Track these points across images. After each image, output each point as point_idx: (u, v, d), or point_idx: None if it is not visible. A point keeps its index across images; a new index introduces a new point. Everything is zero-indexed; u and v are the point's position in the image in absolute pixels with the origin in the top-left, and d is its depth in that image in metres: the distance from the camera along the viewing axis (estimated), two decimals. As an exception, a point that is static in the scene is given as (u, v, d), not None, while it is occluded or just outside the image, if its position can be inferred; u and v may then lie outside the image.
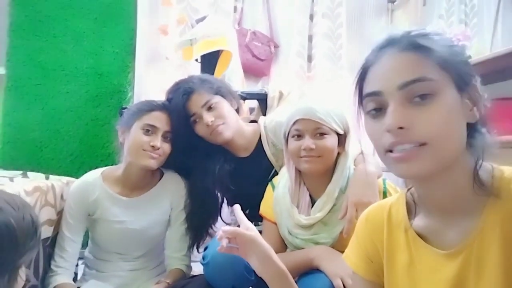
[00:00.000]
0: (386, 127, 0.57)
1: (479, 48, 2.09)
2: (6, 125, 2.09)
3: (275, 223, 1.21)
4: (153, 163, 1.25)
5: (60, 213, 1.29)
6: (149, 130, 1.25)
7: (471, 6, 2.44)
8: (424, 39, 0.59)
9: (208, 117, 1.27)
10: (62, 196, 1.31)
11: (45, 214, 1.22)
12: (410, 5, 2.42)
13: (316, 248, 1.10)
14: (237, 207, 0.99)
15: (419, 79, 0.56)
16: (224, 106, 1.32)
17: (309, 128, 1.10)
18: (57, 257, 1.25)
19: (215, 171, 1.34)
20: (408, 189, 0.70)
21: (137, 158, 1.24)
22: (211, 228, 1.38)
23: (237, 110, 1.39)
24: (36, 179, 1.32)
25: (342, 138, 1.14)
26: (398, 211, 0.70)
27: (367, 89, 0.62)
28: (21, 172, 1.41)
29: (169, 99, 1.33)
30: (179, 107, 1.28)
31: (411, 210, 0.68)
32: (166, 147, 1.28)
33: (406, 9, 2.43)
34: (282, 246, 1.20)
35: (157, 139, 1.24)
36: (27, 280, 0.79)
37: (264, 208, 1.25)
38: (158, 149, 1.24)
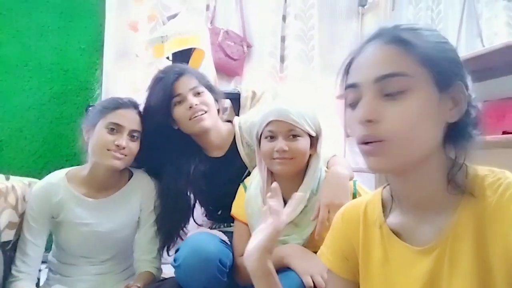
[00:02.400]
0: (357, 119, 0.58)
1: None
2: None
3: (247, 224, 1.20)
4: (118, 164, 1.20)
5: (22, 216, 1.22)
6: (114, 128, 1.21)
7: (437, 12, 2.54)
8: (410, 33, 0.58)
9: (193, 100, 1.28)
10: (24, 198, 1.24)
11: (6, 217, 1.15)
12: (379, 9, 2.48)
13: (286, 247, 1.10)
14: (276, 186, 0.92)
15: (395, 74, 0.56)
16: (210, 98, 1.33)
17: (282, 129, 1.11)
18: (19, 262, 1.18)
19: (189, 171, 1.32)
20: (384, 187, 0.71)
21: (101, 158, 1.20)
22: (183, 230, 1.35)
23: (218, 111, 1.39)
24: (-5, 179, 1.25)
25: (314, 140, 1.15)
26: (373, 209, 0.71)
27: (348, 80, 0.63)
28: (-22, 172, 1.33)
29: (159, 78, 1.32)
30: (168, 83, 1.27)
31: (386, 208, 0.69)
32: (133, 147, 1.24)
33: (375, 13, 2.49)
34: None
35: (122, 138, 1.20)
36: None
37: (236, 209, 1.24)
38: (123, 148, 1.20)
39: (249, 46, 2.33)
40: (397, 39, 0.58)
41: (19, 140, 2.01)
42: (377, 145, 0.56)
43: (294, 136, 1.11)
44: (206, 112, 1.29)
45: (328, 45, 2.38)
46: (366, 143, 0.58)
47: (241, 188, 1.26)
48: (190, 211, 1.39)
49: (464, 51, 2.26)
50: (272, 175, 1.18)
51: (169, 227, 1.32)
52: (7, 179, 1.27)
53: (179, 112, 1.29)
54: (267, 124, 1.12)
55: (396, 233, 0.66)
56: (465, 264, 0.57)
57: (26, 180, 1.32)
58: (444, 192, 0.60)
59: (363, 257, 0.70)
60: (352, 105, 0.61)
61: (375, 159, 0.57)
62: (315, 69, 2.34)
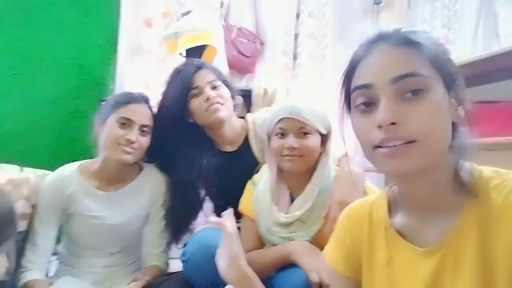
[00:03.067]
0: (378, 122, 0.56)
1: (460, 52, 2.14)
2: (-20, 114, 2.02)
3: (254, 221, 1.21)
4: (128, 158, 1.22)
5: (34, 207, 1.25)
6: (125, 123, 1.22)
7: (454, 11, 2.49)
8: (415, 35, 0.59)
9: (210, 92, 1.30)
10: (37, 190, 1.27)
11: (19, 208, 1.17)
12: (395, 7, 2.46)
13: (293, 243, 1.10)
14: (230, 211, 1.02)
15: (412, 74, 0.56)
16: (226, 92, 1.36)
17: (293, 127, 1.11)
18: (29, 253, 1.20)
19: (201, 165, 1.33)
20: (390, 187, 0.71)
21: (112, 152, 1.22)
22: (192, 224, 1.36)
23: (233, 107, 1.42)
24: (10, 171, 1.28)
25: (324, 138, 1.14)
26: (379, 209, 0.70)
27: (357, 82, 0.61)
28: (-6, 163, 1.36)
29: (178, 70, 1.35)
30: (187, 75, 1.31)
31: (391, 208, 0.69)
32: (143, 141, 1.25)
33: (391, 12, 2.46)
34: (260, 244, 1.20)
35: (133, 132, 1.22)
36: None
37: (244, 205, 1.25)
38: (134, 143, 1.21)
39: (262, 44, 2.33)
40: (406, 40, 0.58)
41: (34, 132, 2.04)
42: (406, 147, 0.55)
43: (305, 133, 1.11)
44: (222, 104, 1.31)
45: (341, 43, 2.36)
46: (386, 146, 0.56)
47: (249, 184, 1.27)
48: (199, 205, 1.39)
49: (481, 51, 2.22)
50: (281, 172, 1.18)
51: (178, 220, 1.33)
52: (21, 170, 1.30)
53: (195, 104, 1.31)
54: (278, 121, 1.13)
55: (400, 234, 0.65)
56: (468, 265, 0.56)
57: (40, 172, 1.35)
58: (450, 193, 0.59)
59: (367, 257, 0.70)
60: (361, 108, 0.60)
61: (399, 161, 0.55)
62: (328, 67, 2.33)
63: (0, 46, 2.04)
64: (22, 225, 1.21)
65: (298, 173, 1.14)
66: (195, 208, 1.38)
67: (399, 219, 0.67)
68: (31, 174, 1.28)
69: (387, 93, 0.57)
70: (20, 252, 1.21)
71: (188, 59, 1.40)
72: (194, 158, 1.33)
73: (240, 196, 1.26)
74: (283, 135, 1.12)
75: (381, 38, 0.60)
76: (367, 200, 0.75)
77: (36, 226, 1.23)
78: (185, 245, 1.18)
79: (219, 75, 1.37)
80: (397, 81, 0.56)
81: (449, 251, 0.58)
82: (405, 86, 0.56)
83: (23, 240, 1.22)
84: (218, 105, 1.30)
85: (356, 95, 0.61)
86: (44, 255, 1.23)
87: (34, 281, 1.16)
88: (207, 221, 1.02)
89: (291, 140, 1.10)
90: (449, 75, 0.58)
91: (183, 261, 1.14)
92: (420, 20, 2.47)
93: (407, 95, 0.56)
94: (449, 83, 0.58)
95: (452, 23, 2.48)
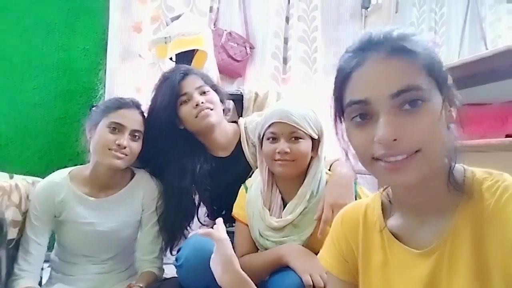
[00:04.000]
0: (378, 139, 0.55)
1: (447, 55, 2.18)
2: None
3: (247, 225, 1.21)
4: (119, 163, 1.21)
5: (25, 214, 1.23)
6: (116, 128, 1.22)
7: (440, 14, 2.54)
8: (408, 42, 0.57)
9: (199, 98, 1.30)
10: (27, 197, 1.25)
11: (9, 215, 1.15)
12: (383, 11, 2.49)
13: (285, 246, 1.11)
14: (220, 220, 1.03)
15: (411, 88, 0.55)
16: (215, 97, 1.35)
17: (285, 131, 1.11)
18: (21, 260, 1.18)
19: (194, 171, 1.32)
20: (384, 189, 0.71)
21: (103, 158, 1.21)
22: (187, 229, 1.36)
23: (223, 111, 1.41)
24: (0, 178, 1.26)
25: (315, 142, 1.15)
26: (373, 212, 0.71)
27: (353, 96, 0.59)
28: (-18, 171, 1.34)
29: (165, 77, 1.34)
30: (174, 83, 1.29)
31: (386, 210, 0.69)
32: (134, 146, 1.24)
33: (379, 15, 2.49)
34: (253, 248, 1.21)
35: (124, 137, 1.21)
36: None
37: (237, 210, 1.25)
38: (125, 148, 1.20)
39: (252, 48, 2.34)
40: (400, 49, 0.56)
41: (24, 138, 2.02)
42: (408, 160, 0.54)
43: (296, 138, 1.11)
44: (212, 109, 1.30)
45: (331, 47, 2.39)
46: (387, 161, 0.56)
47: (242, 189, 1.27)
48: (194, 211, 1.39)
49: (467, 54, 2.26)
50: (273, 177, 1.18)
51: (173, 226, 1.33)
52: (11, 177, 1.28)
53: (185, 110, 1.30)
54: (269, 126, 1.13)
55: (396, 236, 0.66)
56: (463, 266, 0.57)
57: (30, 179, 1.33)
58: (444, 195, 0.60)
59: (363, 260, 0.71)
60: (357, 121, 0.58)
61: (402, 173, 0.55)
62: (318, 71, 2.35)
63: (-15, 51, 2.02)
64: (12, 233, 1.19)
65: (290, 178, 1.15)
66: (189, 214, 1.37)
67: (393, 221, 0.67)
68: (21, 181, 1.26)
69: (385, 107, 0.55)
70: (11, 260, 1.19)
71: (174, 65, 1.39)
72: (187, 164, 1.32)
73: (234, 201, 1.27)
74: (274, 139, 1.12)
75: (372, 46, 0.58)
76: (361, 203, 0.75)
77: (28, 233, 1.21)
78: (178, 250, 1.18)
79: (207, 80, 1.37)
80: (396, 96, 0.55)
81: (444, 252, 0.59)
82: (404, 99, 0.55)
83: (14, 248, 1.20)
84: (208, 110, 1.29)
85: (352, 109, 0.59)
86: (36, 263, 1.21)
87: None
88: (196, 233, 1.02)
89: (282, 145, 1.10)
90: (442, 79, 0.58)
91: (177, 266, 1.13)
92: (408, 24, 2.51)
93: (405, 106, 0.55)
94: (443, 87, 0.58)
95: (439, 27, 2.53)
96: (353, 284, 0.73)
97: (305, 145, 1.12)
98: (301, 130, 1.10)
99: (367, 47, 0.59)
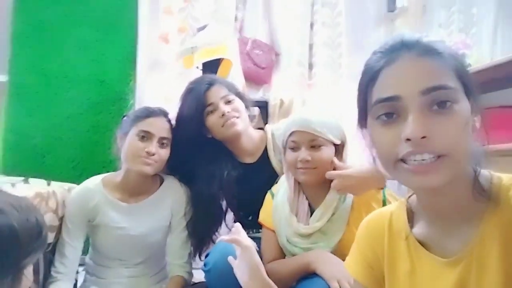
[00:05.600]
0: (407, 136, 0.54)
1: (479, 57, 2.11)
2: (9, 131, 2.10)
3: (274, 231, 1.21)
4: (148, 169, 1.25)
5: (61, 219, 1.29)
6: (144, 136, 1.26)
7: (470, 15, 2.46)
8: (438, 46, 0.57)
9: (225, 108, 1.32)
10: (63, 202, 1.31)
11: (47, 220, 1.19)
12: (409, 14, 2.44)
13: (313, 252, 1.10)
14: (238, 225, 1.03)
15: (442, 87, 0.55)
16: (240, 105, 1.37)
17: (305, 140, 1.11)
18: (57, 263, 1.24)
19: (222, 177, 1.35)
20: (409, 196, 0.70)
21: (132, 164, 1.25)
22: (215, 234, 1.38)
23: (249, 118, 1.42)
24: (38, 185, 1.33)
25: (339, 148, 1.14)
26: (398, 219, 0.70)
27: (381, 94, 0.58)
28: (22, 178, 1.41)
29: (190, 89, 1.37)
30: (199, 93, 1.32)
31: (411, 218, 0.68)
32: (163, 153, 1.28)
33: (405, 19, 2.45)
34: (280, 254, 1.21)
35: (152, 145, 1.25)
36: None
37: (263, 216, 1.25)
38: (153, 155, 1.24)
39: (277, 55, 2.36)
40: (431, 51, 0.56)
41: (59, 147, 2.11)
42: (434, 162, 0.54)
43: (317, 146, 1.11)
44: (238, 117, 1.33)
45: (356, 52, 2.36)
46: (406, 160, 0.55)
47: (268, 195, 1.28)
48: (222, 216, 1.41)
49: (500, 55, 2.18)
50: (299, 184, 1.18)
51: (202, 232, 1.35)
52: (48, 184, 1.35)
53: (211, 120, 1.33)
54: (290, 135, 1.13)
55: (421, 244, 0.65)
56: (492, 274, 0.56)
57: (66, 185, 1.40)
58: (470, 202, 0.59)
59: (388, 268, 0.70)
60: (384, 119, 0.58)
61: (428, 177, 0.54)
62: (343, 76, 2.33)
63: (25, 65, 2.13)
64: (50, 237, 1.25)
65: (315, 185, 1.14)
66: (217, 220, 1.39)
67: (419, 229, 0.66)
68: (57, 187, 1.32)
69: (416, 105, 0.55)
70: (48, 263, 1.25)
71: (198, 76, 1.42)
72: (214, 171, 1.35)
73: (260, 207, 1.27)
74: (295, 148, 1.12)
75: (404, 46, 0.58)
76: (386, 211, 0.74)
77: (64, 237, 1.27)
78: (207, 255, 1.20)
79: (231, 88, 1.39)
80: (426, 93, 0.54)
81: (472, 261, 0.58)
82: (433, 98, 0.54)
83: (51, 252, 1.27)
84: (234, 119, 1.32)
85: (379, 107, 0.58)
86: (71, 266, 1.26)
87: None
88: (221, 239, 1.04)
89: (303, 153, 1.10)
90: (469, 85, 0.57)
91: (205, 271, 1.15)
92: (436, 26, 2.45)
93: (434, 107, 0.54)
94: (470, 94, 0.57)
95: (469, 28, 2.45)
96: None
97: (326, 152, 1.11)
98: (321, 137, 1.10)
99: (399, 47, 0.59)
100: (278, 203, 1.21)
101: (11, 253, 0.69)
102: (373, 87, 0.60)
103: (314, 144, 1.11)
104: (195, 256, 1.36)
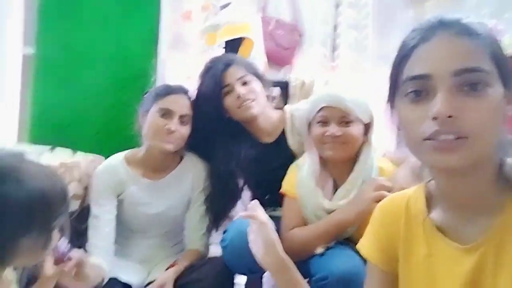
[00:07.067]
0: (434, 114, 0.54)
1: (511, 43, 2.02)
2: (35, 103, 2.15)
3: (297, 200, 1.21)
4: (169, 147, 1.26)
5: (85, 189, 1.33)
6: (165, 113, 1.27)
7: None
8: (477, 27, 0.56)
9: (241, 89, 1.32)
10: (87, 173, 1.35)
11: (71, 189, 1.25)
12: (440, -4, 2.35)
13: (336, 212, 1.12)
14: (256, 202, 1.03)
15: (475, 69, 0.54)
16: (257, 86, 1.36)
17: (336, 115, 1.10)
18: (93, 239, 1.25)
19: (239, 155, 1.36)
20: (429, 181, 0.69)
21: (154, 141, 1.27)
22: (231, 211, 1.40)
23: (267, 97, 1.42)
24: (63, 155, 1.36)
25: (366, 128, 1.13)
26: (416, 203, 0.69)
27: (414, 70, 0.57)
28: (49, 147, 1.45)
29: (208, 68, 1.37)
30: (217, 74, 1.33)
31: (429, 203, 0.68)
32: (183, 130, 1.29)
33: (436, 1, 2.36)
34: (302, 222, 1.20)
35: (173, 122, 1.26)
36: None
37: (287, 187, 1.25)
38: (174, 132, 1.25)
39: (300, 35, 2.32)
40: (469, 31, 0.55)
41: (83, 120, 2.16)
42: (459, 142, 0.53)
43: (347, 122, 1.10)
44: (254, 100, 1.32)
45: (383, 34, 2.29)
46: (437, 139, 0.55)
47: (293, 166, 1.26)
48: (239, 194, 1.43)
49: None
50: (323, 161, 1.17)
51: (218, 207, 1.38)
52: (74, 154, 1.39)
53: (228, 101, 1.34)
54: (320, 110, 1.12)
55: (439, 229, 0.64)
56: (510, 265, 0.55)
57: (90, 156, 1.43)
58: (493, 192, 0.58)
59: (404, 251, 0.70)
60: (412, 96, 0.57)
61: (448, 156, 0.54)
62: (369, 59, 2.28)
63: (51, 39, 2.16)
64: (74, 205, 1.29)
65: (340, 162, 1.14)
66: (234, 197, 1.42)
67: (437, 214, 0.66)
68: (81, 158, 1.36)
69: (446, 84, 0.54)
70: (73, 231, 1.28)
71: (217, 55, 1.42)
72: (233, 149, 1.36)
73: (278, 186, 1.28)
74: (324, 123, 1.12)
75: (442, 24, 0.57)
76: (404, 194, 0.74)
77: (95, 212, 1.28)
78: (224, 231, 1.22)
79: (249, 68, 1.38)
80: (458, 75, 0.53)
81: (490, 249, 0.57)
82: (465, 80, 0.53)
83: (76, 220, 1.29)
84: (249, 102, 1.32)
85: (409, 84, 0.58)
86: (107, 238, 1.27)
87: None
88: (239, 216, 1.05)
89: (333, 129, 1.10)
90: (506, 71, 0.56)
91: (222, 247, 1.17)
92: (468, 9, 2.36)
93: (465, 88, 0.54)
94: (505, 80, 0.56)
95: (502, 13, 2.35)
96: (392, 274, 0.72)
97: (356, 129, 1.11)
98: (352, 114, 1.09)
99: (436, 25, 0.58)
100: (303, 176, 1.20)
101: (44, 214, 0.75)
102: (406, 64, 0.59)
103: (344, 120, 1.10)
104: (211, 231, 1.39)
